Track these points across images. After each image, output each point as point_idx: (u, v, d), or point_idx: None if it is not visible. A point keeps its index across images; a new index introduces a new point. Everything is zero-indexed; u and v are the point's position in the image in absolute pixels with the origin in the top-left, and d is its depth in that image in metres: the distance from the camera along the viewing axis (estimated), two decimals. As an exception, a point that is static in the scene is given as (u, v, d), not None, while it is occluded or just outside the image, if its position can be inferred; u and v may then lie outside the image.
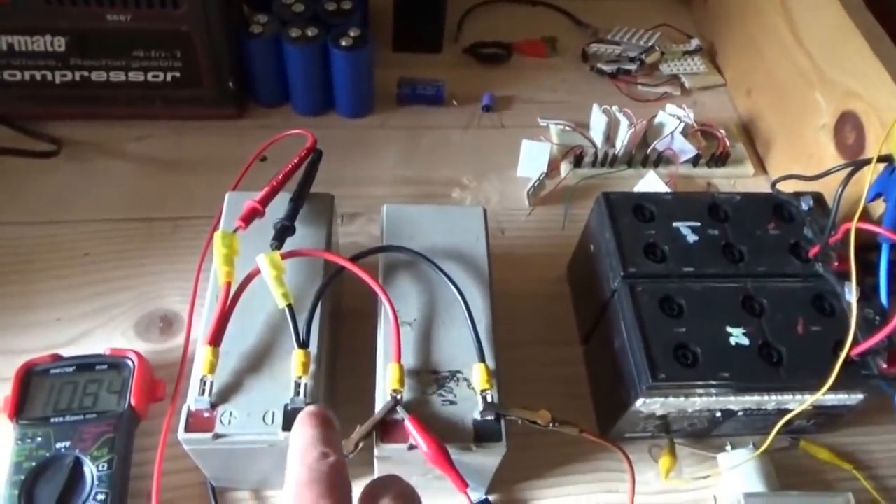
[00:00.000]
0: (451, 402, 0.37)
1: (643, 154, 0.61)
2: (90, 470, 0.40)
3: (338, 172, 0.59)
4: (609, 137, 0.62)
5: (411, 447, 0.36)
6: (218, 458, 0.38)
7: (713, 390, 0.40)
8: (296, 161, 0.45)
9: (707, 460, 0.46)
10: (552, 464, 0.46)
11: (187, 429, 0.35)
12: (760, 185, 0.62)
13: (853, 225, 0.40)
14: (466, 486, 0.35)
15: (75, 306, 0.50)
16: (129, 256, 0.53)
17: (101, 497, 0.39)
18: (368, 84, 0.63)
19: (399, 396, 0.36)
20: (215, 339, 0.37)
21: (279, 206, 0.42)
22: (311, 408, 0.31)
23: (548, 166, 0.59)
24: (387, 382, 0.37)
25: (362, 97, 0.63)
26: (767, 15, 0.63)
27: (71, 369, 0.44)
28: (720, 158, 0.62)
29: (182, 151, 0.60)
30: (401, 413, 0.36)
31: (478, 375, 0.37)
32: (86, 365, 0.44)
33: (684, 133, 0.61)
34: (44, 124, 0.59)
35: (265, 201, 0.42)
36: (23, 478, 0.39)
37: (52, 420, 0.42)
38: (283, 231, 0.40)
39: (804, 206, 0.48)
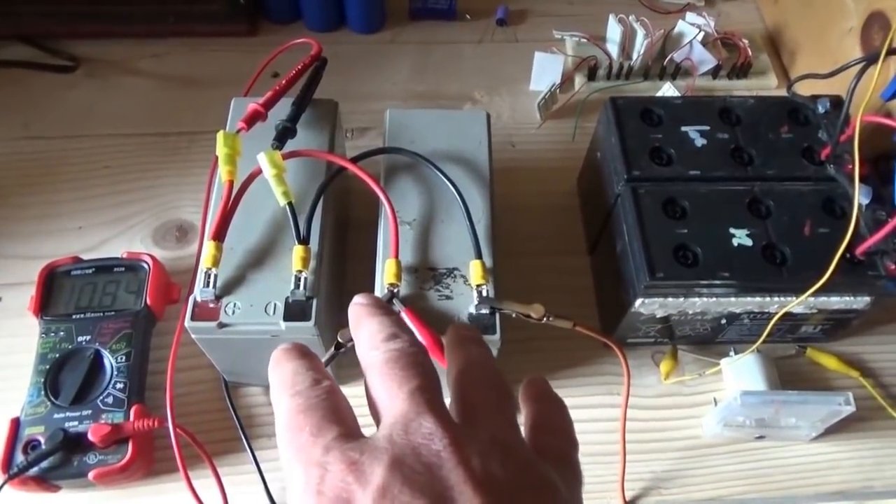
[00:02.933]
0: (448, 297, 0.38)
1: (660, 66, 0.59)
2: (109, 362, 0.42)
3: (349, 87, 0.59)
4: (625, 49, 0.60)
5: (407, 338, 0.37)
6: (224, 349, 0.40)
7: (714, 290, 0.40)
8: (300, 67, 0.45)
9: (710, 366, 0.47)
10: (556, 367, 0.47)
11: (193, 318, 0.37)
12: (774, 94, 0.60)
13: (858, 116, 0.39)
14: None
15: (96, 216, 0.52)
16: (146, 169, 0.54)
17: (119, 386, 0.42)
18: (380, -2, 0.62)
19: (395, 290, 0.37)
20: (218, 235, 0.38)
21: (283, 112, 0.43)
22: (284, 345, 0.25)
23: (560, 79, 0.58)
24: (384, 277, 0.38)
25: (374, 12, 0.62)
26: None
27: (90, 271, 0.46)
28: (741, 69, 0.60)
29: (195, 68, 0.60)
30: (396, 305, 0.37)
31: (474, 271, 0.38)
32: (104, 267, 0.46)
33: (704, 43, 0.59)
34: (63, 43, 0.60)
35: (268, 105, 0.42)
36: (48, 367, 0.42)
37: (74, 316, 0.44)
38: (285, 132, 0.41)
39: (821, 109, 0.46)
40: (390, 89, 0.60)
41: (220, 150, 0.39)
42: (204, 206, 0.48)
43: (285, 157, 0.40)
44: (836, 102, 0.46)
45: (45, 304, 0.45)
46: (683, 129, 0.45)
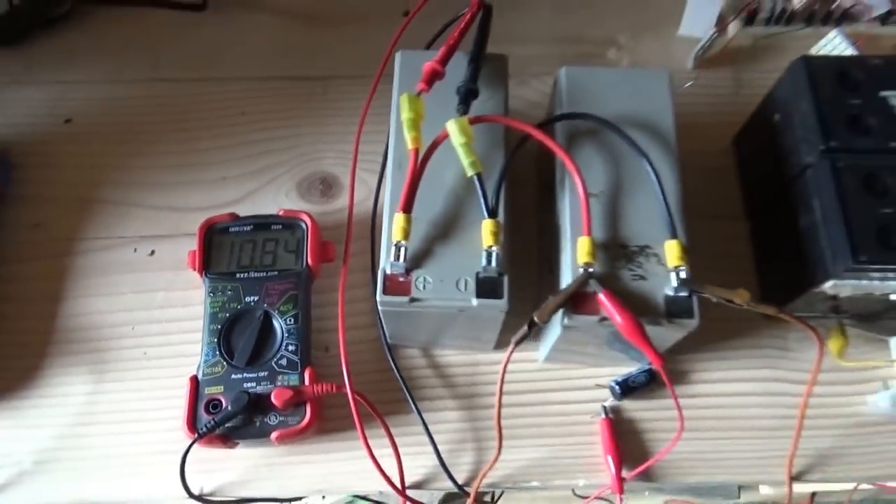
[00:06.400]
0: (642, 277, 0.37)
1: (827, 9, 0.54)
2: (279, 324, 0.43)
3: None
4: (788, -10, 0.55)
5: (602, 319, 0.36)
6: (406, 319, 0.39)
7: (918, 274, 0.38)
8: (468, 17, 0.42)
9: (876, 342, 0.45)
10: (715, 339, 0.46)
11: (385, 291, 0.36)
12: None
13: None
14: (662, 359, 0.35)
15: (237, 166, 0.51)
16: (283, 117, 0.53)
17: (291, 348, 0.42)
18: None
19: (591, 270, 0.36)
20: (407, 206, 0.37)
21: (452, 69, 0.40)
22: None
23: (716, 23, 0.54)
24: (576, 255, 0.36)
25: (511, -58, 0.58)
26: None
27: (249, 228, 0.45)
28: (920, 14, 0.55)
29: (327, 4, 0.57)
30: (594, 286, 0.36)
31: (669, 252, 0.36)
32: (262, 224, 0.46)
33: (881, -17, 0.53)
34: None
35: (444, 61, 0.40)
36: (219, 326, 0.42)
37: (238, 276, 0.44)
38: (469, 94, 0.39)
39: None
40: (529, 32, 0.56)
41: (405, 114, 0.37)
42: (353, 161, 0.47)
43: (472, 122, 0.38)
44: None
45: (208, 261, 0.44)
46: (883, 94, 0.42)
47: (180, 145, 0.52)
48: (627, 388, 0.44)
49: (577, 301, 0.36)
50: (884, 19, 0.55)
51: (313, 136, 0.52)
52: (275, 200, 0.50)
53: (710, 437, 0.43)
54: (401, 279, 0.36)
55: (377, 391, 0.43)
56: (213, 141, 0.52)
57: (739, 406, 0.44)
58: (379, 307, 0.37)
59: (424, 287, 0.36)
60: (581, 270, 0.36)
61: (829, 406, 0.44)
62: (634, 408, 0.44)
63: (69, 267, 0.47)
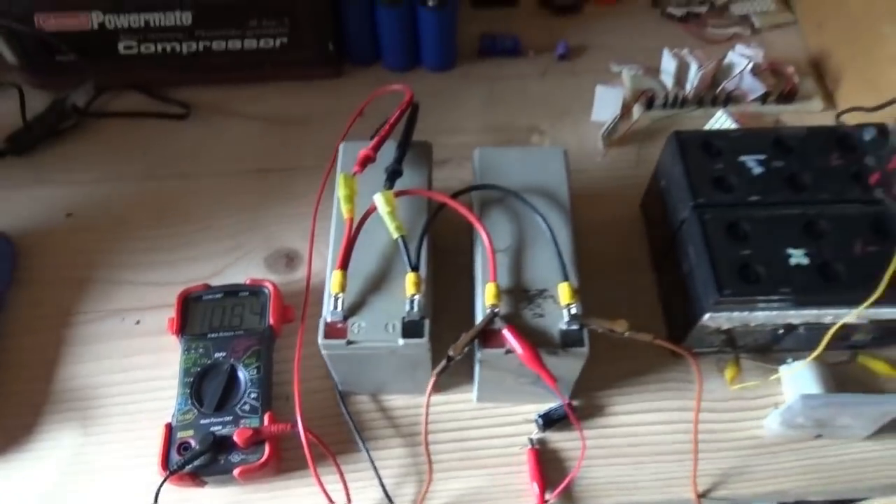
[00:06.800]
0: (540, 315, 0.44)
1: (712, 94, 0.64)
2: (244, 375, 0.49)
3: (425, 122, 0.64)
4: (679, 80, 0.65)
5: (508, 351, 0.42)
6: (348, 363, 0.46)
7: (774, 304, 0.45)
8: (398, 114, 0.51)
9: (769, 372, 0.51)
10: (628, 376, 0.52)
11: (325, 336, 0.43)
12: (828, 120, 0.64)
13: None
14: (555, 380, 0.42)
15: (214, 246, 0.59)
16: (253, 203, 0.61)
17: (253, 395, 0.48)
18: (452, 39, 0.68)
19: (496, 310, 0.43)
20: (343, 264, 0.44)
21: (384, 154, 0.49)
22: None
23: (621, 110, 0.63)
24: (485, 299, 0.44)
25: (446, 52, 0.69)
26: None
27: (220, 295, 0.53)
28: (788, 95, 0.64)
29: (290, 109, 0.67)
30: (499, 323, 0.43)
31: (562, 292, 0.44)
32: (231, 292, 0.53)
33: (753, 72, 0.64)
34: (172, 90, 0.68)
35: (376, 149, 0.49)
36: (191, 380, 0.49)
37: (210, 335, 0.51)
38: (394, 174, 0.47)
39: (867, 137, 0.51)
40: (465, 123, 0.66)
41: (341, 191, 0.46)
42: (311, 235, 0.54)
43: (396, 195, 0.46)
44: (882, 130, 0.51)
45: (184, 325, 0.52)
46: (741, 158, 0.50)
47: (165, 230, 0.60)
48: (550, 421, 0.50)
49: (487, 337, 0.43)
50: (763, 99, 0.65)
51: (278, 217, 0.60)
52: (245, 272, 0.57)
53: (624, 463, 0.49)
54: (339, 325, 0.44)
55: (331, 433, 0.49)
56: (193, 225, 0.60)
57: (649, 434, 0.50)
58: (322, 350, 0.44)
59: (359, 331, 0.43)
60: (489, 311, 0.43)
61: (732, 430, 0.50)
62: (557, 438, 0.50)
63: (64, 337, 0.55)
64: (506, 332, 0.42)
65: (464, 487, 0.48)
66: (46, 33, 0.60)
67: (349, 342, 0.43)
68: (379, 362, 0.46)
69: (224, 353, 0.50)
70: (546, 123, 0.66)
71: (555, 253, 0.45)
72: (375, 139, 0.49)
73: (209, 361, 0.50)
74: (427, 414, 0.43)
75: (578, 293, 0.44)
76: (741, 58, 0.64)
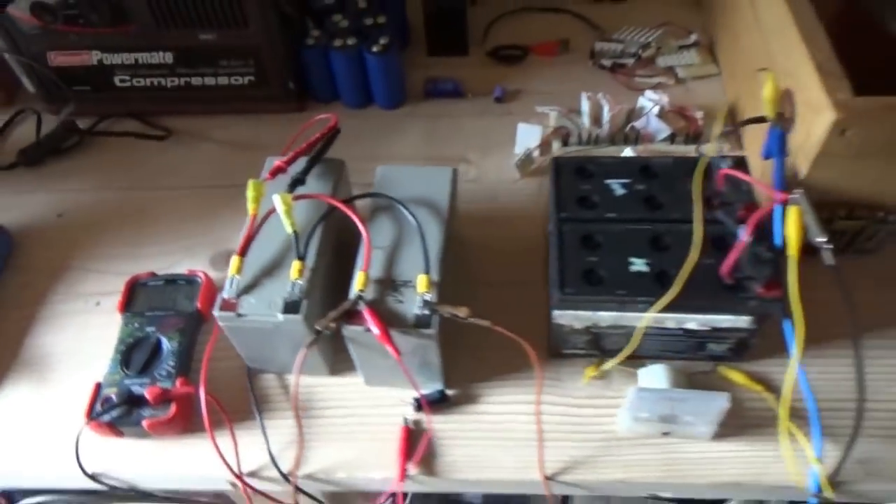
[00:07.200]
0: (400, 301, 0.51)
1: (624, 134, 0.71)
2: (166, 346, 0.58)
3: (373, 150, 0.75)
4: (596, 120, 0.72)
5: (367, 329, 0.50)
6: (244, 335, 0.54)
7: (612, 305, 0.51)
8: (318, 136, 0.61)
9: (628, 374, 0.56)
10: (504, 371, 0.58)
11: (220, 309, 0.52)
12: (734, 160, 0.70)
13: (723, 172, 0.50)
14: (399, 353, 0.49)
15: (173, 244, 0.69)
16: (211, 212, 0.71)
17: (171, 363, 0.57)
18: (398, 81, 0.78)
19: (362, 295, 0.51)
20: (242, 251, 0.53)
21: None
22: None
23: (536, 144, 0.71)
24: (356, 285, 0.51)
25: (394, 92, 0.78)
26: (741, 5, 0.71)
27: (161, 282, 0.62)
28: (694, 136, 0.71)
29: (256, 138, 0.78)
30: (361, 305, 0.50)
31: (421, 283, 0.51)
32: (171, 280, 0.63)
33: (660, 114, 0.70)
34: (159, 118, 0.80)
35: (289, 162, 0.58)
36: (124, 348, 0.58)
37: (146, 314, 0.60)
38: (296, 182, 0.56)
39: (723, 166, 0.56)
40: (404, 153, 0.75)
41: (249, 193, 0.55)
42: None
43: (295, 198, 0.55)
44: (739, 161, 0.56)
45: (128, 305, 0.61)
46: (607, 181, 0.57)
47: (136, 231, 0.71)
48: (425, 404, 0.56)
49: (351, 316, 0.50)
50: (671, 139, 0.71)
51: (228, 224, 0.70)
52: (191, 267, 0.66)
53: (486, 446, 0.54)
54: (232, 301, 0.52)
55: (236, 403, 0.57)
56: (160, 228, 0.71)
57: (512, 421, 0.55)
58: (219, 322, 0.52)
59: (248, 307, 0.52)
60: (356, 294, 0.51)
61: (587, 424, 0.55)
62: (434, 420, 0.56)
63: (40, 313, 0.65)
64: (365, 313, 0.50)
65: (338, 456, 0.54)
66: (56, 68, 0.74)
67: (238, 315, 0.51)
68: (270, 337, 0.53)
69: (154, 328, 0.59)
70: (475, 155, 0.74)
71: (423, 251, 0.53)
72: (291, 154, 0.58)
73: (141, 334, 0.59)
74: (297, 384, 0.51)
75: (436, 285, 0.51)
76: (649, 102, 0.71)
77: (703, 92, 0.78)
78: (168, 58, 0.73)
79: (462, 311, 0.50)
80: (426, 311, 0.50)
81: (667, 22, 0.83)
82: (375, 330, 0.49)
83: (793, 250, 0.46)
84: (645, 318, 0.51)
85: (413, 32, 0.86)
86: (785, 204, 0.48)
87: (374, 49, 0.73)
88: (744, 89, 0.72)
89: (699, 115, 0.71)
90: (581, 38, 0.85)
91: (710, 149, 0.66)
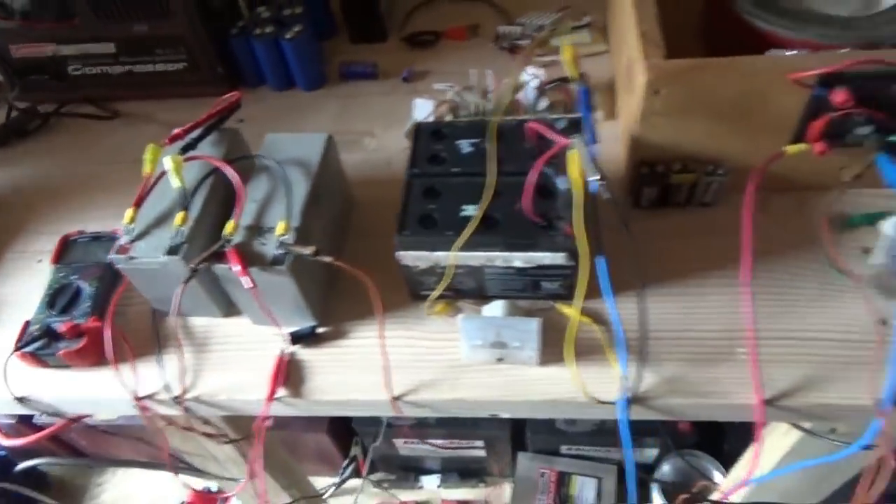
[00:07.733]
0: (263, 244, 0.60)
1: (507, 106, 0.78)
2: (86, 290, 0.68)
3: (291, 127, 0.84)
4: (483, 94, 0.80)
5: (230, 268, 0.58)
6: (141, 277, 0.63)
7: (445, 245, 0.58)
8: (217, 109, 0.70)
9: (478, 312, 0.63)
10: (370, 311, 0.65)
11: (116, 253, 0.61)
12: (607, 127, 0.76)
13: (530, 126, 0.57)
14: (255, 286, 0.57)
15: (111, 210, 0.79)
16: (144, 182, 0.81)
17: (87, 305, 0.67)
18: (314, 65, 0.87)
19: (229, 238, 0.59)
20: (138, 203, 0.62)
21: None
22: None
23: (426, 116, 0.78)
24: (225, 230, 0.60)
25: (311, 75, 0.87)
26: (617, -11, 0.78)
27: (88, 239, 0.72)
28: (569, 109, 0.77)
29: (193, 119, 0.87)
30: (227, 247, 0.59)
31: (280, 228, 0.59)
32: (97, 237, 0.73)
33: (539, 89, 0.77)
34: (110, 103, 0.90)
35: (187, 132, 0.67)
36: (51, 292, 0.68)
37: (72, 264, 0.70)
38: (187, 146, 0.65)
39: (560, 125, 0.63)
40: (318, 128, 0.83)
41: (146, 155, 0.64)
42: (166, 202, 0.73)
43: (186, 160, 0.64)
44: (574, 122, 0.63)
45: (59, 258, 0.71)
46: (458, 142, 0.64)
47: (87, 199, 0.81)
48: (297, 338, 0.64)
49: (219, 257, 0.59)
50: (550, 110, 0.78)
51: (158, 192, 0.80)
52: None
53: (347, 373, 0.62)
54: (126, 246, 0.61)
55: (142, 339, 0.66)
56: (107, 196, 0.81)
57: (371, 354, 0.63)
58: (115, 265, 0.62)
59: (138, 251, 0.61)
60: (224, 238, 0.59)
61: (435, 353, 0.62)
62: (304, 353, 0.64)
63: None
64: (228, 253, 0.58)
65: (222, 382, 0.63)
66: (18, 59, 0.85)
67: (130, 258, 0.61)
68: (160, 278, 0.63)
69: (77, 276, 0.69)
70: (379, 129, 0.82)
71: (287, 203, 0.61)
72: (190, 124, 0.67)
73: (66, 281, 0.69)
74: (177, 310, 0.60)
75: (295, 230, 0.59)
76: (529, 76, 0.78)
77: (591, 68, 0.83)
78: (110, 48, 0.83)
79: (308, 250, 0.58)
80: (281, 251, 0.58)
81: (567, 6, 0.89)
82: (236, 267, 0.58)
83: (577, 187, 0.53)
84: (456, 255, 0.58)
85: (339, 22, 0.95)
86: (566, 149, 0.55)
87: (288, 36, 0.82)
88: (621, 63, 0.78)
89: (575, 87, 0.77)
90: (490, 24, 0.92)
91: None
